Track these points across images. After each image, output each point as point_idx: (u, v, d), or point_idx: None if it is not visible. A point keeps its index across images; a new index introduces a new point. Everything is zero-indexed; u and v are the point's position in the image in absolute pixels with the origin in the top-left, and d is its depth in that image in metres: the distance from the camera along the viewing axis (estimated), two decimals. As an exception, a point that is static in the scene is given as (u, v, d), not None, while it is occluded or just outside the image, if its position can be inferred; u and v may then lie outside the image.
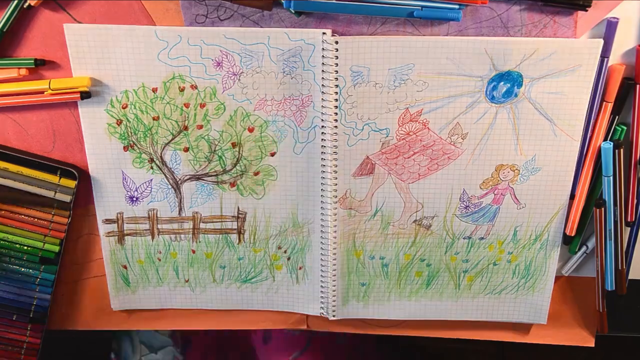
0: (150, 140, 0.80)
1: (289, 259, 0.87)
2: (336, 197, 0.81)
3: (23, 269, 0.84)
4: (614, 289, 0.84)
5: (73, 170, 0.80)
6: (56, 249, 0.83)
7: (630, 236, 0.82)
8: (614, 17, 0.72)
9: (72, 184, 0.80)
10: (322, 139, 0.78)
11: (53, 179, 0.80)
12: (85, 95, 0.76)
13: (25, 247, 0.83)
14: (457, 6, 0.70)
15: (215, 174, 0.81)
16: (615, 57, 0.74)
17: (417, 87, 0.75)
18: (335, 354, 1.07)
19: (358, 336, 0.94)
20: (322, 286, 0.87)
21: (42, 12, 0.74)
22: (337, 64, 0.74)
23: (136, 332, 1.07)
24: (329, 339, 1.06)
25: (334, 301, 0.88)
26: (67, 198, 0.81)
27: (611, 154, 0.76)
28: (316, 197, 0.82)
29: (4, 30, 0.74)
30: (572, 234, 0.82)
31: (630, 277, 0.85)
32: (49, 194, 0.80)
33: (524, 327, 0.90)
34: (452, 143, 0.78)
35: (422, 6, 0.70)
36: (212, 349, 1.11)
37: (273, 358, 1.04)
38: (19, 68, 0.75)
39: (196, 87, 0.77)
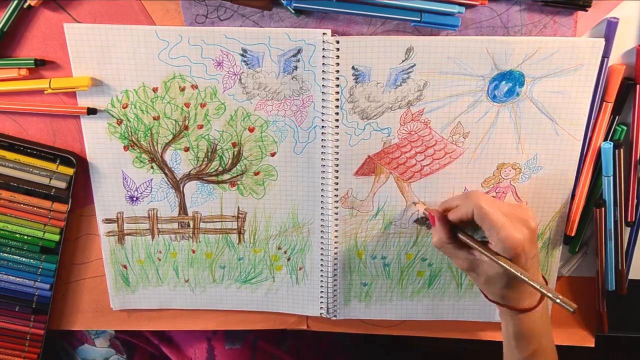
0: (151, 140, 0.80)
1: (289, 259, 0.87)
2: (337, 197, 0.81)
3: (24, 259, 0.84)
4: (614, 289, 0.84)
5: (71, 157, 0.79)
6: (56, 237, 0.83)
7: (630, 236, 0.82)
8: (614, 17, 0.72)
9: (70, 171, 0.80)
10: (323, 139, 0.78)
11: (51, 166, 0.79)
12: (92, 111, 0.77)
13: (26, 237, 0.83)
14: (456, 10, 0.70)
15: (215, 173, 0.81)
16: (615, 57, 0.74)
17: (418, 86, 0.75)
18: (283, 358, 1.05)
19: (305, 340, 0.92)
20: (321, 287, 0.87)
21: (42, 12, 0.74)
22: (338, 64, 0.74)
23: (75, 350, 1.05)
24: (272, 345, 1.04)
25: (334, 301, 0.88)
26: (64, 185, 0.80)
27: (611, 154, 0.76)
28: (316, 197, 0.82)
29: (4, 30, 0.74)
30: (572, 234, 0.82)
31: (630, 277, 0.85)
32: (45, 180, 0.79)
33: (525, 327, 0.90)
34: (453, 142, 0.78)
35: (423, 9, 0.70)
36: (155, 356, 1.08)
37: None
38: (19, 68, 0.75)
39: (197, 87, 0.77)
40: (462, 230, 0.74)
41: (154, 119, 0.79)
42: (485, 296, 0.75)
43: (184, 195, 0.83)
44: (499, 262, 0.67)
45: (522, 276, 0.66)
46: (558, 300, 0.63)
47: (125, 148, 0.80)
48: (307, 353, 1.07)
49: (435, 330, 0.91)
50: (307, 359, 1.07)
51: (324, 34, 0.73)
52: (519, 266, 0.67)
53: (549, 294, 0.64)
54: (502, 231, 0.67)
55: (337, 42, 0.73)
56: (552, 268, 0.85)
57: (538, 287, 0.65)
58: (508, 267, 0.67)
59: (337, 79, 0.75)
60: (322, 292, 0.88)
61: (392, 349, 1.26)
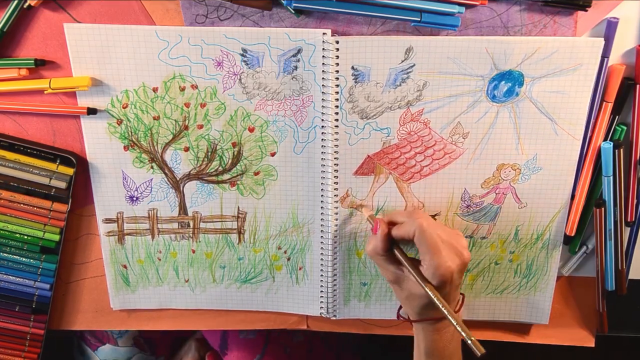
0: (151, 140, 0.80)
1: (289, 259, 0.87)
2: (336, 196, 0.81)
3: (24, 259, 0.84)
4: (614, 289, 0.84)
5: (71, 157, 0.79)
6: (56, 237, 0.83)
7: (630, 236, 0.82)
8: (614, 17, 0.72)
9: (70, 171, 0.80)
10: (323, 139, 0.78)
11: (51, 166, 0.79)
12: (92, 111, 0.77)
13: (26, 237, 0.82)
14: (456, 10, 0.70)
15: (215, 173, 0.81)
16: (615, 57, 0.74)
17: (418, 86, 0.75)
18: (295, 351, 1.06)
19: (317, 333, 0.94)
20: (321, 286, 0.87)
21: (42, 12, 0.74)
22: (337, 64, 0.74)
23: (95, 352, 1.05)
24: (286, 337, 1.06)
25: (334, 301, 0.88)
26: (64, 185, 0.80)
27: (611, 154, 0.76)
28: (316, 197, 0.82)
29: (4, 30, 0.74)
30: (572, 234, 0.82)
31: (630, 277, 0.85)
32: (45, 180, 0.79)
33: (525, 327, 0.90)
34: (453, 142, 0.78)
35: (423, 9, 0.70)
36: (177, 348, 1.10)
37: None
38: (19, 68, 0.75)
39: (197, 87, 0.77)
40: (397, 246, 0.75)
41: (154, 119, 0.79)
42: (402, 316, 0.78)
43: (184, 195, 0.83)
44: (425, 287, 0.69)
45: (443, 309, 0.68)
46: (469, 342, 0.64)
47: (125, 148, 0.80)
48: (319, 346, 1.08)
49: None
50: (319, 353, 1.08)
51: (324, 34, 0.73)
52: (442, 293, 0.69)
53: (463, 333, 0.65)
54: (435, 257, 0.69)
55: (337, 42, 0.73)
56: (552, 268, 0.85)
57: (455, 324, 0.66)
58: (432, 296, 0.69)
59: (337, 78, 0.75)
60: (322, 291, 0.88)
61: (392, 349, 1.26)
